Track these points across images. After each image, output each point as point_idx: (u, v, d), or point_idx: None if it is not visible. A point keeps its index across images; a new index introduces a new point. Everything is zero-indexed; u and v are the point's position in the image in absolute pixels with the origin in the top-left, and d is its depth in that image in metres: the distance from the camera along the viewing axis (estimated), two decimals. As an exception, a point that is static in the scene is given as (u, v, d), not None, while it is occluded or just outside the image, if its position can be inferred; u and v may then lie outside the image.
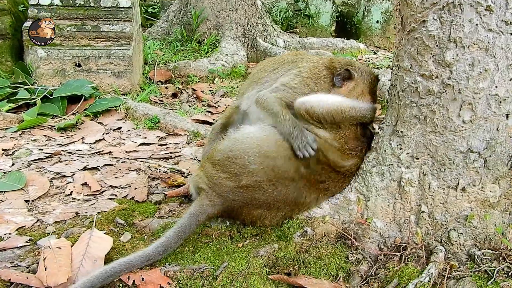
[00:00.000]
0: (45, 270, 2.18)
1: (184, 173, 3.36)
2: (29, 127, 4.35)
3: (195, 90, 6.14)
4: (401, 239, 2.33)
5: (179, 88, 6.16)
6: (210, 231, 2.52)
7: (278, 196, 2.39)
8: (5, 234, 2.56)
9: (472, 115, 2.09)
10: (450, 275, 2.11)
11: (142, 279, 2.20)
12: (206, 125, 4.49)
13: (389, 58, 8.53)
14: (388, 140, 2.34)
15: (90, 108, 4.69)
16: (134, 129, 4.36)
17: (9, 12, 5.53)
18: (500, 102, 2.08)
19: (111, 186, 3.17)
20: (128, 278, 2.20)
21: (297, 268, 2.33)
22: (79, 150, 3.86)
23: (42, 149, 3.83)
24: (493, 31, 2.01)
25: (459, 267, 2.14)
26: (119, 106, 4.66)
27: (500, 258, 2.16)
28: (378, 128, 2.47)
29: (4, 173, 3.29)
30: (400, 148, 2.28)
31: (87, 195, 3.05)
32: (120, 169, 3.45)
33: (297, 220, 2.49)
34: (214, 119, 4.86)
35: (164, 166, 3.47)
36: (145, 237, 2.55)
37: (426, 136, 2.19)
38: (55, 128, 4.35)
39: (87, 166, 3.47)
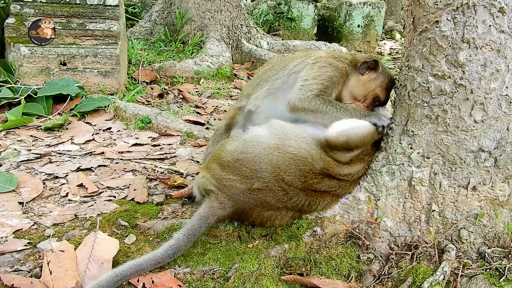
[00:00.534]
0: (51, 274, 2.10)
1: (182, 174, 3.29)
2: (13, 127, 4.19)
3: (181, 91, 6.06)
4: (411, 238, 2.34)
5: (165, 89, 6.07)
6: (218, 232, 2.48)
7: (289, 201, 2.37)
8: (1, 237, 2.44)
9: (483, 115, 2.12)
10: (463, 273, 2.13)
11: (152, 281, 2.14)
12: (199, 125, 4.42)
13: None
14: (398, 139, 2.35)
15: (77, 108, 4.55)
16: (125, 129, 4.26)
17: (-11, 8, 5.33)
18: (510, 102, 2.12)
19: (108, 187, 3.08)
20: (138, 281, 2.14)
21: (308, 269, 2.31)
22: (69, 150, 3.74)
23: (30, 150, 3.69)
24: (505, 32, 2.05)
25: (471, 265, 2.16)
26: (107, 106, 4.55)
27: (509, 255, 2.20)
28: (388, 128, 2.47)
29: (-7, 174, 3.15)
30: (411, 148, 2.29)
31: (84, 196, 2.95)
32: (115, 170, 3.36)
33: (306, 220, 2.47)
34: (206, 120, 4.81)
35: (160, 167, 3.40)
36: (150, 238, 2.48)
37: (438, 136, 2.21)
38: (41, 128, 4.21)
39: (80, 167, 3.36)
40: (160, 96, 5.87)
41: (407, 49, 2.34)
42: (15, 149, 3.66)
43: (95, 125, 4.34)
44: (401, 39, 13.27)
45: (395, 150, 2.35)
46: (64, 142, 3.91)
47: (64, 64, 4.97)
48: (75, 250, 2.31)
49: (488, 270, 2.15)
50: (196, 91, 6.19)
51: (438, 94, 2.17)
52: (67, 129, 4.25)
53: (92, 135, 4.11)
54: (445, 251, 2.23)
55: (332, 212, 2.46)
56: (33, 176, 3.21)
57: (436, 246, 2.24)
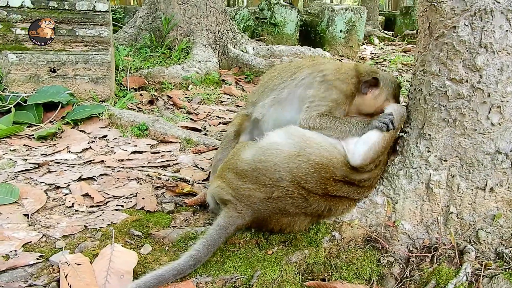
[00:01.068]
0: (70, 288, 2.03)
1: (188, 181, 3.25)
2: (4, 137, 4.06)
3: (171, 97, 6.01)
4: (430, 240, 2.36)
5: (154, 95, 6.00)
6: (235, 239, 2.45)
7: (308, 207, 2.36)
8: (11, 251, 2.35)
9: (500, 118, 2.17)
10: (484, 274, 2.16)
11: (176, 292, 2.10)
12: (197, 132, 4.38)
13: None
14: (414, 143, 2.38)
15: (69, 116, 4.44)
16: (121, 137, 4.17)
17: (-27, 14, 5.15)
18: (525, 105, 2.17)
19: (114, 196, 3.01)
20: (161, 292, 2.09)
21: (330, 274, 2.31)
22: (66, 159, 3.64)
23: (26, 160, 3.57)
24: (520, 37, 2.10)
25: (491, 266, 2.20)
26: (101, 114, 4.45)
27: (526, 255, 2.24)
28: (401, 131, 2.50)
29: (-8, 185, 3.04)
30: (428, 151, 2.32)
31: (91, 206, 2.88)
32: (118, 178, 3.28)
33: (324, 224, 2.47)
34: (202, 126, 4.76)
35: (164, 175, 3.34)
36: (166, 248, 2.43)
37: (455, 139, 2.25)
38: (33, 137, 4.09)
39: (81, 176, 3.28)
40: (150, 102, 5.80)
41: (421, 54, 2.37)
42: (10, 159, 3.54)
43: (89, 133, 4.24)
44: (379, 43, 13.52)
45: (412, 154, 2.37)
46: (60, 151, 3.81)
47: (54, 71, 4.86)
48: (90, 262, 2.25)
49: (507, 270, 2.19)
50: (186, 97, 6.14)
51: (455, 98, 2.21)
52: (60, 137, 4.14)
53: (88, 143, 4.01)
54: (465, 252, 2.26)
55: (350, 216, 2.47)
56: (33, 187, 3.11)
57: (456, 248, 2.27)
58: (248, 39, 8.54)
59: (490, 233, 2.29)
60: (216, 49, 7.62)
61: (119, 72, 6.18)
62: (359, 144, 2.40)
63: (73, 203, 2.88)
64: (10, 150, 3.80)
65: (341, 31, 9.84)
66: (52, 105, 4.58)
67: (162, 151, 3.90)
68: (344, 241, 2.44)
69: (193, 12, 7.48)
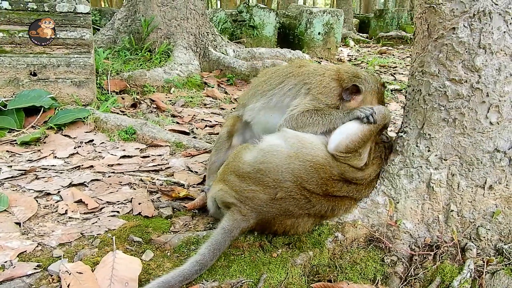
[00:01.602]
0: (74, 297, 1.96)
1: (183, 185, 3.20)
2: (-16, 143, 3.91)
3: (153, 101, 5.92)
4: (431, 239, 2.40)
5: (136, 99, 5.90)
6: (239, 243, 2.42)
7: (312, 208, 2.36)
8: (6, 261, 2.26)
9: (498, 117, 2.22)
10: (486, 270, 2.21)
11: (184, 298, 2.06)
12: (186, 135, 4.32)
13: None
14: (414, 143, 2.41)
15: (53, 120, 4.31)
16: (108, 141, 4.09)
17: None
18: (522, 104, 2.23)
19: (108, 202, 2.94)
20: (168, 298, 2.04)
21: (335, 275, 2.31)
22: (53, 165, 3.54)
23: (11, 166, 3.46)
24: (517, 38, 2.16)
25: (493, 262, 2.25)
26: (86, 118, 4.35)
27: (524, 250, 2.30)
28: (400, 131, 2.53)
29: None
30: (428, 150, 2.36)
31: (85, 213, 2.80)
32: (110, 184, 3.21)
33: (327, 226, 2.47)
34: (190, 130, 4.71)
35: (158, 179, 3.29)
36: (168, 254, 2.39)
37: (455, 138, 2.29)
38: (16, 143, 3.95)
39: (72, 182, 3.19)
40: (133, 106, 5.70)
41: (419, 55, 2.41)
42: (-6, 166, 3.41)
43: (75, 137, 4.14)
44: (355, 45, 13.71)
45: (413, 153, 2.40)
46: (46, 156, 3.70)
47: (35, 75, 4.72)
48: (92, 271, 2.18)
49: (507, 265, 2.24)
50: (169, 100, 6.07)
51: (455, 98, 2.25)
52: (45, 142, 4.03)
53: (75, 148, 3.91)
54: (467, 249, 2.30)
55: (352, 216, 2.48)
56: (22, 194, 3.00)
57: (458, 245, 2.31)
58: (228, 42, 8.51)
59: (489, 229, 2.34)
60: (197, 51, 7.56)
61: (100, 75, 6.06)
62: (336, 132, 2.48)
63: (66, 210, 2.80)
64: (-8, 156, 3.66)
65: (319, 33, 9.93)
66: (33, 110, 4.45)
67: (152, 155, 3.84)
68: (347, 242, 2.45)
69: (173, 14, 7.40)
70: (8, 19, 4.73)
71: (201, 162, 3.66)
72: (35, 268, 2.21)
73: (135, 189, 3.15)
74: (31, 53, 4.78)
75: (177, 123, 5.08)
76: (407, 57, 11.30)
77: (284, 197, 2.31)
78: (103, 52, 6.85)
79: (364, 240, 2.47)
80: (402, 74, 8.70)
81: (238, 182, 2.38)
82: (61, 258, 2.29)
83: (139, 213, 2.76)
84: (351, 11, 17.86)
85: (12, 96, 4.58)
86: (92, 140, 4.09)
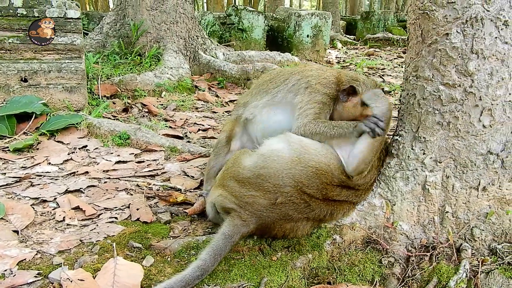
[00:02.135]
0: (78, 305, 1.97)
1: (180, 190, 3.22)
2: (-24, 150, 3.88)
3: (145, 105, 5.92)
4: (427, 240, 2.45)
5: (128, 103, 5.89)
6: (239, 247, 2.45)
7: (311, 212, 2.40)
8: (6, 270, 2.25)
9: (491, 120, 2.28)
10: (481, 270, 2.26)
11: (186, 303, 2.07)
12: (179, 139, 4.33)
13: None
14: (410, 146, 2.46)
15: (45, 126, 4.29)
16: (102, 146, 4.08)
17: None
18: (513, 107, 2.30)
19: (105, 208, 2.94)
20: (171, 304, 2.06)
21: (334, 277, 2.35)
22: (48, 172, 3.52)
23: (5, 173, 3.43)
24: (508, 43, 2.22)
25: (488, 261, 2.30)
26: (79, 123, 4.33)
27: (517, 249, 2.36)
28: (396, 135, 2.58)
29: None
30: (424, 153, 2.41)
31: (83, 220, 2.80)
32: (106, 190, 3.21)
33: (325, 228, 2.51)
34: (184, 134, 4.72)
35: (154, 184, 3.30)
36: (169, 259, 2.40)
37: (449, 141, 2.35)
38: (9, 150, 3.93)
39: (68, 189, 3.18)
40: (125, 110, 5.69)
41: (413, 60, 2.46)
42: (-13, 174, 3.39)
43: (68, 143, 4.12)
44: (342, 47, 13.82)
45: (408, 156, 2.45)
46: (40, 163, 3.68)
47: (25, 80, 4.69)
48: (93, 277, 2.19)
49: (501, 265, 2.29)
50: (160, 104, 6.07)
51: (449, 102, 2.31)
52: (38, 149, 4.00)
53: (68, 154, 3.90)
54: (462, 250, 2.35)
55: (350, 219, 2.52)
56: (18, 202, 2.99)
57: (453, 246, 2.36)
58: (217, 45, 8.54)
59: (483, 230, 2.39)
60: (187, 55, 7.57)
61: (90, 80, 6.03)
62: (351, 157, 2.45)
63: (64, 217, 2.79)
64: (-15, 164, 3.63)
65: (307, 36, 10.00)
66: (25, 116, 4.42)
67: (147, 160, 3.84)
68: (345, 244, 2.49)
69: (163, 18, 7.41)
70: (-2, 24, 4.70)
71: (197, 167, 3.67)
72: (35, 276, 2.21)
73: (132, 194, 3.15)
74: (21, 59, 4.75)
75: (170, 127, 5.09)
76: (394, 58, 11.44)
77: (284, 202, 2.34)
78: (93, 56, 6.83)
79: (362, 242, 2.51)
80: (391, 75, 8.80)
81: (238, 188, 2.40)
82: (62, 265, 2.29)
83: (138, 219, 2.77)
84: (338, 13, 18.01)
85: (3, 103, 4.55)
86: (86, 146, 4.07)
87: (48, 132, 4.24)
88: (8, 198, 3.07)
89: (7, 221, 2.72)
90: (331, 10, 16.32)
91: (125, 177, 3.45)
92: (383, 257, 2.43)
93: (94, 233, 2.63)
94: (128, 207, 2.93)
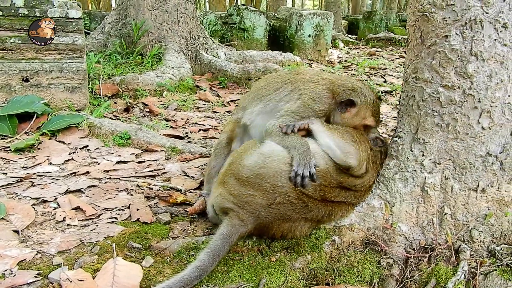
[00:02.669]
0: (77, 305, 1.98)
1: (180, 190, 3.23)
2: (-22, 149, 3.90)
3: (146, 105, 5.93)
4: (426, 241, 2.45)
5: (129, 103, 5.90)
6: (238, 247, 2.46)
7: (309, 213, 2.40)
8: (6, 270, 2.27)
9: (490, 122, 2.28)
10: (480, 272, 2.27)
11: (185, 304, 2.08)
12: (180, 139, 4.34)
13: (324, 70, 8.93)
14: (409, 147, 2.46)
15: (46, 126, 4.30)
16: (103, 146, 4.09)
17: None
18: (512, 109, 2.30)
19: (106, 208, 2.95)
20: (170, 304, 2.07)
21: (333, 278, 2.35)
22: (49, 172, 3.54)
23: (6, 173, 3.45)
24: (507, 45, 2.22)
25: (486, 263, 2.31)
26: (80, 123, 4.35)
27: (516, 251, 2.36)
28: (395, 136, 2.59)
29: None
30: (423, 155, 2.41)
31: (83, 220, 2.81)
32: (107, 190, 3.22)
33: (324, 229, 2.51)
34: (185, 134, 4.73)
35: (154, 184, 3.31)
36: (168, 259, 2.41)
37: (448, 143, 2.35)
38: (10, 150, 3.94)
39: (68, 189, 3.19)
40: (126, 110, 5.71)
41: (413, 61, 2.46)
42: (-12, 174, 3.40)
43: (69, 143, 4.14)
44: (344, 47, 13.81)
45: (407, 158, 2.46)
46: (41, 163, 3.69)
47: (27, 80, 4.71)
48: (93, 278, 2.20)
49: (500, 266, 2.30)
50: (162, 104, 6.08)
51: (448, 104, 2.31)
52: (39, 149, 4.02)
53: (69, 154, 3.91)
54: (460, 251, 2.36)
55: (349, 220, 2.52)
56: (19, 202, 3.00)
57: (452, 247, 2.36)
58: (219, 45, 8.54)
59: (482, 232, 2.40)
60: (188, 55, 7.58)
61: (91, 80, 6.05)
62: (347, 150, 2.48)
63: (64, 217, 2.81)
64: (-14, 163, 3.65)
65: (309, 35, 9.99)
66: (26, 116, 4.44)
67: (148, 160, 3.85)
68: (344, 245, 2.49)
69: (164, 17, 7.42)
70: (0, 25, 4.71)
71: (197, 167, 3.68)
72: (35, 276, 2.22)
73: (132, 195, 3.16)
74: (23, 58, 4.77)
75: (171, 127, 5.10)
76: (396, 58, 11.42)
77: (283, 202, 2.35)
78: (94, 56, 6.84)
79: (361, 243, 2.52)
80: (392, 75, 8.80)
81: (237, 186, 2.41)
82: (61, 265, 2.30)
83: (138, 219, 2.78)
84: (340, 13, 17.99)
85: (4, 103, 4.57)
86: (87, 146, 4.09)
87: (49, 132, 4.26)
88: (9, 198, 3.08)
89: (8, 221, 2.74)
90: (333, 9, 16.30)
91: (125, 177, 3.46)
92: (382, 258, 2.43)
93: (94, 233, 2.64)
94: (128, 208, 2.94)
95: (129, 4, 7.39)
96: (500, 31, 2.20)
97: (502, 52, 2.23)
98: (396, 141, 2.55)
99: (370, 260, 2.44)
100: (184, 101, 6.32)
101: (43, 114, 4.52)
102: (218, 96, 6.82)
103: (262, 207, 2.36)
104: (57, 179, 3.40)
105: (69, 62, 4.88)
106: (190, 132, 4.85)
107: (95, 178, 3.42)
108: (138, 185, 3.31)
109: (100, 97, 5.84)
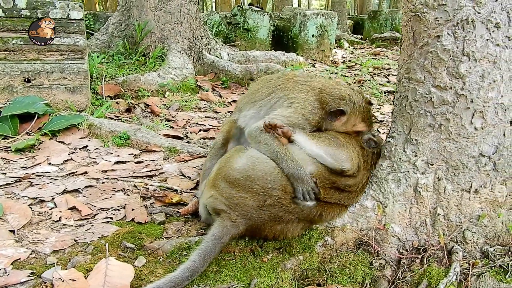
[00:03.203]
0: (68, 305, 2.00)
1: (176, 190, 3.24)
2: (-21, 150, 3.94)
3: (148, 105, 5.96)
4: (418, 242, 2.44)
5: (131, 103, 5.93)
6: (230, 248, 2.46)
7: (300, 213, 2.40)
8: (0, 269, 2.29)
9: (482, 122, 2.27)
10: (472, 273, 2.26)
11: (175, 304, 2.09)
12: (179, 140, 4.36)
13: (327, 70, 8.91)
14: (402, 148, 2.45)
15: (47, 127, 4.34)
16: (103, 147, 4.12)
17: None
18: (505, 110, 2.29)
19: (101, 208, 2.97)
20: (160, 304, 2.08)
21: (325, 278, 2.35)
22: (48, 172, 3.57)
23: (6, 173, 3.48)
24: (500, 45, 2.21)
25: (478, 264, 2.29)
26: (81, 124, 4.38)
27: (509, 252, 2.35)
28: (388, 137, 2.58)
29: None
30: (415, 155, 2.40)
31: (79, 220, 2.83)
32: (104, 190, 3.24)
33: (317, 230, 2.51)
34: (184, 134, 4.75)
35: (151, 185, 3.32)
36: (161, 259, 2.42)
37: (441, 143, 2.34)
38: (10, 150, 3.98)
39: (66, 189, 3.22)
40: (128, 110, 5.73)
41: (406, 62, 2.45)
42: (-12, 173, 3.44)
43: (69, 144, 4.17)
44: (349, 47, 13.77)
45: (400, 158, 2.45)
46: (40, 163, 3.72)
47: (28, 81, 4.75)
48: (85, 277, 2.22)
49: (493, 268, 2.28)
50: (164, 105, 6.10)
51: (440, 104, 2.30)
52: (39, 149, 4.05)
53: (69, 154, 3.94)
54: (453, 253, 2.35)
55: (342, 221, 2.52)
56: (16, 202, 3.03)
57: (444, 248, 2.35)
58: (222, 45, 8.56)
59: (475, 233, 2.38)
60: (191, 55, 7.60)
61: (94, 80, 6.09)
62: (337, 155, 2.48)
63: (60, 217, 2.83)
64: (-13, 163, 3.69)
65: (313, 35, 9.98)
66: (27, 116, 4.47)
67: (146, 160, 3.87)
68: (336, 246, 2.49)
69: (167, 18, 7.44)
70: (2, 26, 4.76)
71: (195, 167, 3.69)
72: (28, 276, 2.24)
73: (128, 195, 3.18)
74: (25, 59, 4.81)
75: (172, 127, 5.12)
76: (401, 58, 11.34)
77: (273, 203, 2.36)
78: (98, 57, 6.89)
79: (354, 244, 2.51)
80: (396, 75, 8.75)
81: (228, 189, 2.42)
82: (55, 265, 2.32)
83: (132, 219, 2.79)
84: (345, 13, 17.95)
85: (6, 103, 4.61)
86: (87, 146, 4.12)
87: (50, 132, 4.29)
88: (7, 197, 3.11)
89: (5, 220, 2.76)
90: (338, 9, 16.27)
91: (123, 177, 3.48)
92: (374, 259, 2.43)
93: (89, 233, 2.66)
94: (124, 208, 2.96)
95: (132, 5, 7.43)
96: (492, 31, 2.19)
97: (494, 52, 2.21)
98: (389, 141, 2.54)
99: (362, 261, 2.43)
100: (186, 101, 6.34)
101: (44, 114, 4.56)
102: (220, 96, 6.83)
103: (253, 209, 2.37)
104: (55, 179, 3.43)
105: (71, 63, 4.91)
106: (190, 133, 4.87)
107: (93, 178, 3.45)
108: (135, 185, 3.33)
109: (103, 98, 5.88)
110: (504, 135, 2.31)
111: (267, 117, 2.67)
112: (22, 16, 4.86)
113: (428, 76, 2.32)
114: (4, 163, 3.73)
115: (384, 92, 7.19)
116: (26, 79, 4.74)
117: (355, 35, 17.01)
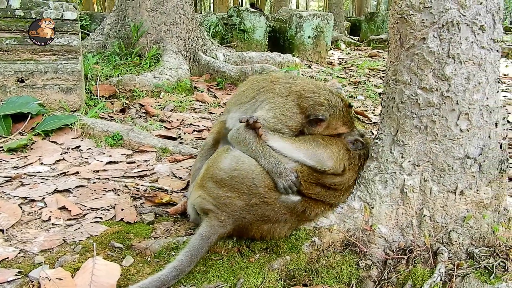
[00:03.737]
0: (53, 304, 2.01)
1: (167, 190, 3.25)
2: (-29, 149, 3.95)
3: (143, 105, 5.97)
4: (405, 243, 2.46)
5: (126, 104, 5.94)
6: (218, 248, 2.47)
7: (286, 211, 2.42)
8: (-13, 268, 2.30)
9: (468, 124, 2.29)
10: (456, 274, 2.27)
11: (161, 303, 2.10)
12: (172, 140, 4.37)
13: (323, 71, 8.93)
14: (388, 149, 2.47)
15: (40, 127, 4.35)
16: (95, 147, 4.13)
17: None
18: (491, 112, 2.31)
19: (91, 208, 2.98)
20: (146, 304, 2.09)
21: (311, 279, 2.37)
22: (39, 172, 3.58)
23: (-3, 173, 3.49)
24: (485, 48, 2.23)
25: (463, 265, 2.31)
26: (73, 124, 4.39)
27: (495, 254, 2.36)
28: (376, 138, 2.60)
29: (-36, 201, 2.96)
30: (402, 157, 2.42)
31: (68, 219, 2.84)
32: (95, 190, 3.25)
33: (304, 231, 2.53)
34: (177, 135, 4.76)
35: (142, 185, 3.33)
36: (148, 259, 2.43)
37: (427, 145, 2.36)
38: (3, 149, 3.99)
39: (56, 189, 3.23)
40: (122, 111, 5.74)
41: (393, 64, 2.47)
42: (-20, 173, 3.44)
43: (62, 144, 4.18)
44: (346, 48, 13.80)
45: (387, 160, 2.47)
46: (32, 163, 3.73)
47: (22, 81, 4.76)
48: (72, 277, 2.23)
49: (478, 269, 2.30)
50: (158, 105, 6.11)
51: (426, 106, 2.32)
52: (31, 149, 4.06)
53: (61, 154, 3.95)
54: (438, 253, 2.36)
55: (329, 221, 2.54)
56: (6, 201, 3.04)
57: (430, 249, 2.37)
58: (218, 46, 8.57)
59: (461, 234, 2.40)
60: (186, 56, 7.62)
61: (89, 81, 6.10)
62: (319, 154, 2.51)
63: (50, 217, 2.84)
64: (-21, 163, 3.70)
65: (309, 37, 10.00)
66: (21, 116, 4.48)
67: (138, 160, 3.88)
68: (323, 246, 2.50)
69: (163, 19, 7.46)
70: (-4, 26, 4.78)
71: (186, 168, 3.70)
72: (16, 275, 2.25)
73: (119, 195, 3.19)
74: (18, 60, 4.82)
75: (165, 128, 5.13)
76: (397, 60, 11.37)
77: (258, 202, 2.37)
78: (93, 57, 6.90)
79: (341, 244, 2.53)
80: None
81: (215, 189, 2.44)
82: (42, 264, 2.33)
83: (122, 219, 2.80)
84: (342, 14, 17.98)
85: (-1, 103, 4.62)
86: (79, 146, 4.13)
87: (42, 132, 4.30)
88: (-2, 197, 3.12)
89: (-6, 220, 2.77)
90: (336, 11, 16.31)
91: (114, 177, 3.49)
92: (361, 259, 2.44)
93: (78, 232, 2.67)
94: (114, 208, 2.96)
95: (128, 5, 7.45)
96: (477, 34, 2.21)
97: (479, 55, 2.23)
98: (376, 143, 2.56)
99: (349, 262, 2.44)
100: (180, 102, 6.35)
101: (38, 114, 4.57)
102: (215, 97, 6.85)
103: (240, 208, 2.38)
104: (46, 179, 3.44)
105: (64, 63, 4.92)
106: (184, 133, 4.88)
107: (84, 178, 3.46)
108: (125, 186, 3.34)
109: (97, 98, 5.88)
110: (489, 137, 2.33)
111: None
112: (16, 16, 4.87)
113: (415, 78, 2.34)
114: (-4, 163, 3.74)
115: (379, 94, 7.21)
116: (20, 79, 4.75)
117: (352, 37, 17.05)
